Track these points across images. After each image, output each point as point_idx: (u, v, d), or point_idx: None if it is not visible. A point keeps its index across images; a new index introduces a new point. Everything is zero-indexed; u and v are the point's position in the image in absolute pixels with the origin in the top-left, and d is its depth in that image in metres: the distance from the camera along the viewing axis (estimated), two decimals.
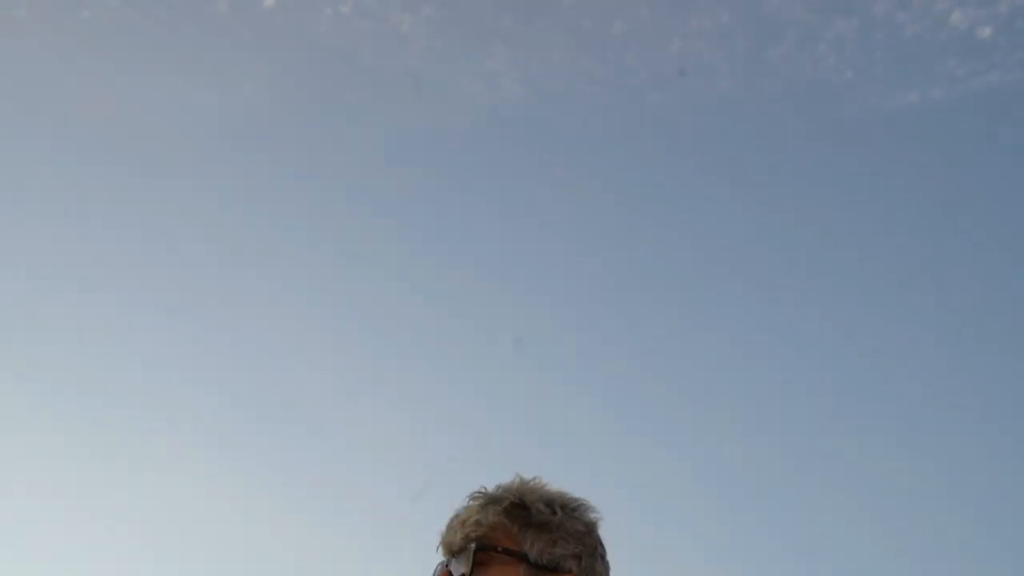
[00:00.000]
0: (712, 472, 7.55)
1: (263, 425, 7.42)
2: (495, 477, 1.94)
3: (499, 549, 1.81)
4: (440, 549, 1.82)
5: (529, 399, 7.64)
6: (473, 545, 1.79)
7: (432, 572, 1.83)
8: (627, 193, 7.97)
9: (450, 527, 1.82)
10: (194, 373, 7.39)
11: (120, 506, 7.00)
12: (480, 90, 7.45)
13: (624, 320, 7.87)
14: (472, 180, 7.92)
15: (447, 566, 1.80)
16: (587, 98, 7.69)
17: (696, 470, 7.61)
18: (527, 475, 1.89)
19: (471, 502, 1.85)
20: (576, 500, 1.86)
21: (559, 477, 1.90)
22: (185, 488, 7.15)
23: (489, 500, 1.84)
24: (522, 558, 1.81)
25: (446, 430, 7.72)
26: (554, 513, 1.82)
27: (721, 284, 8.06)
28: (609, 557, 1.88)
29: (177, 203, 7.38)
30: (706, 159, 7.86)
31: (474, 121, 7.52)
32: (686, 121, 7.76)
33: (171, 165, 7.36)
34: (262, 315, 7.52)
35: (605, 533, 1.90)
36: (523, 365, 7.63)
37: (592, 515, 1.84)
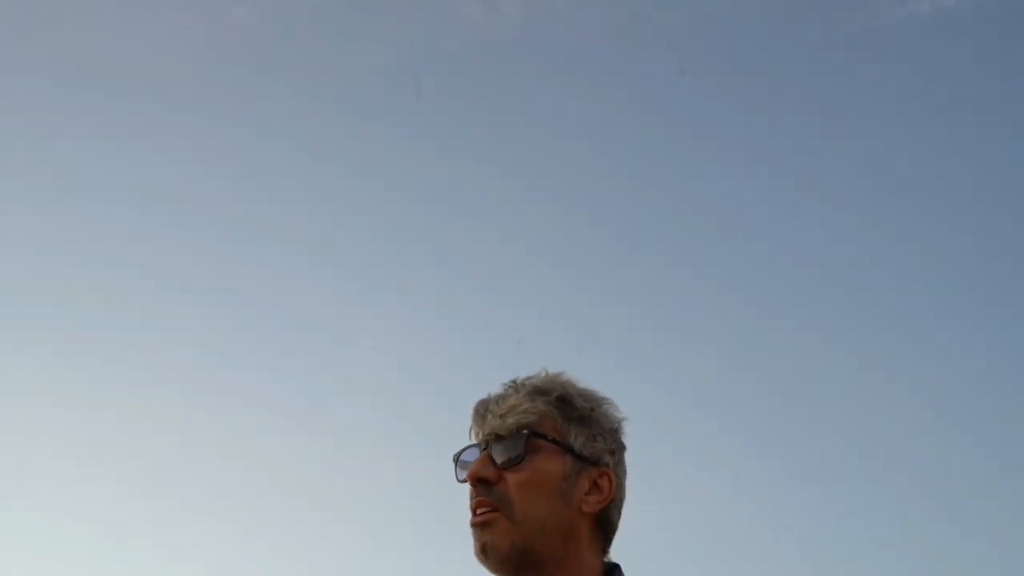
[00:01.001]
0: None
1: (263, 357, 7.47)
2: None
3: (549, 438, 1.86)
4: (475, 433, 1.86)
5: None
6: (526, 432, 1.84)
7: (458, 454, 1.87)
8: (631, 116, 7.82)
9: (490, 412, 1.85)
10: (189, 303, 7.40)
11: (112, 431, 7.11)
12: (478, 11, 7.23)
13: (627, 231, 7.79)
14: (471, 102, 7.76)
15: (485, 449, 1.83)
16: (588, 18, 7.46)
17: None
18: (552, 369, 1.93)
19: (516, 391, 1.89)
20: (607, 398, 1.93)
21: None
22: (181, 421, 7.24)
23: (537, 390, 1.88)
24: (568, 448, 1.87)
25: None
26: (592, 409, 1.89)
27: (736, 203, 7.89)
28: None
29: (172, 127, 7.26)
30: (713, 77, 7.64)
31: (474, 42, 7.32)
32: (693, 41, 7.51)
33: (163, 89, 7.23)
34: (260, 239, 7.49)
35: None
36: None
37: (619, 414, 1.93)
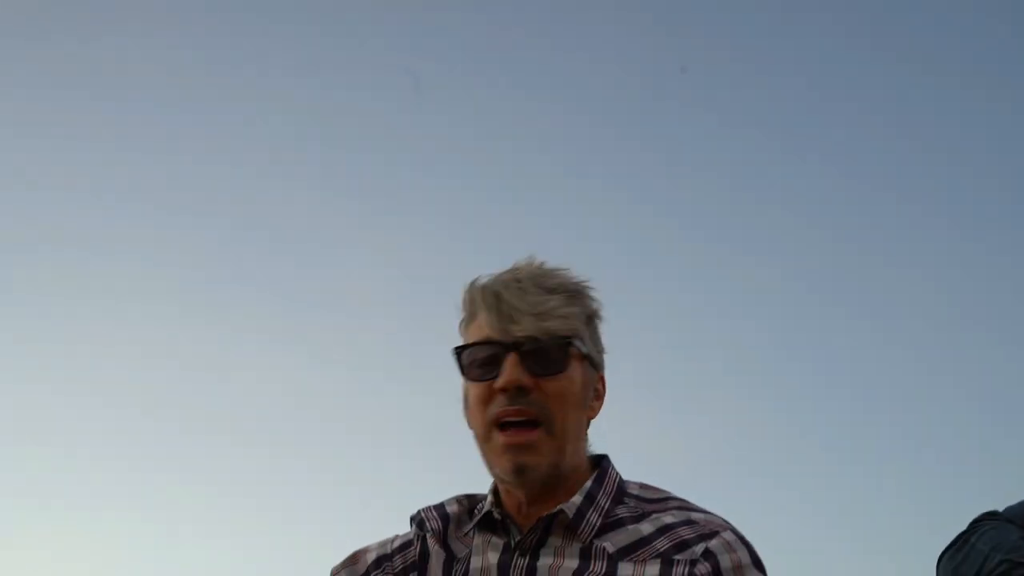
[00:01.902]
0: None
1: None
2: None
3: (583, 349, 1.81)
4: (491, 327, 1.77)
5: None
6: (568, 341, 1.77)
7: (468, 349, 1.80)
8: None
9: (519, 311, 1.78)
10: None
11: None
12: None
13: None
14: None
15: (513, 350, 1.75)
16: None
17: None
18: (529, 257, 1.88)
19: (548, 292, 1.81)
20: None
21: None
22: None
23: (573, 294, 1.84)
24: (586, 356, 1.84)
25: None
26: (600, 310, 1.87)
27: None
28: None
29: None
30: None
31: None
32: None
33: None
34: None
35: None
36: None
37: None
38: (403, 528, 2.15)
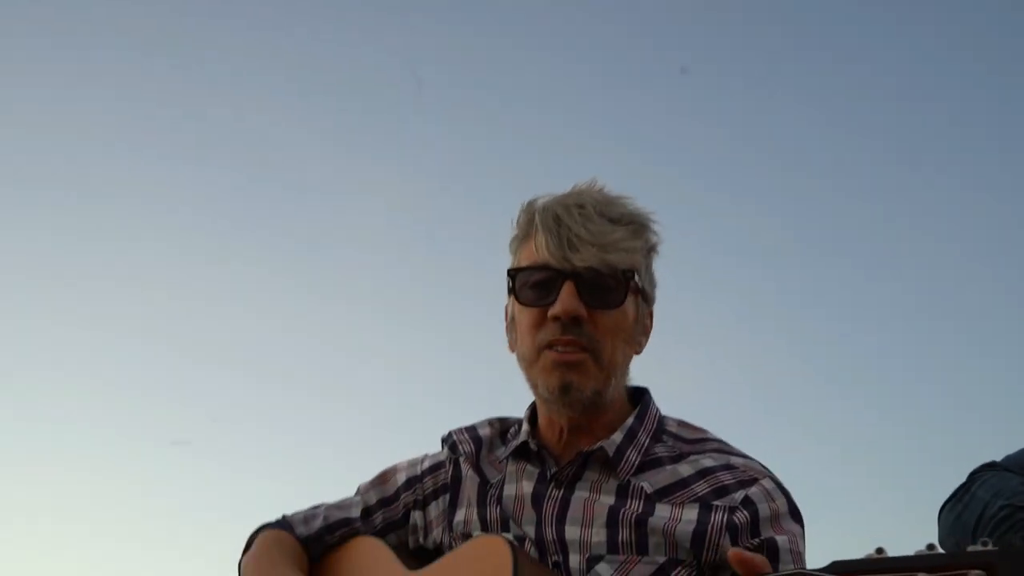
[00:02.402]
0: None
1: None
2: None
3: (641, 285, 1.83)
4: (547, 251, 1.75)
5: None
6: (629, 275, 1.78)
7: (522, 272, 1.79)
8: None
9: (581, 239, 1.75)
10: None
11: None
12: None
13: None
14: None
15: (570, 279, 1.74)
16: None
17: None
18: (590, 180, 1.85)
19: (611, 222, 1.78)
20: None
21: None
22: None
23: (636, 226, 1.82)
24: (641, 291, 1.85)
25: None
26: (657, 242, 1.86)
27: None
28: None
29: None
30: None
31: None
32: None
33: None
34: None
35: None
36: None
37: None
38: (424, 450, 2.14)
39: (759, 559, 1.33)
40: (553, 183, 1.89)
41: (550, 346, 1.77)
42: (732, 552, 1.34)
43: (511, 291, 1.86)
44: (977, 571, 1.19)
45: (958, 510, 2.48)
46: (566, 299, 1.75)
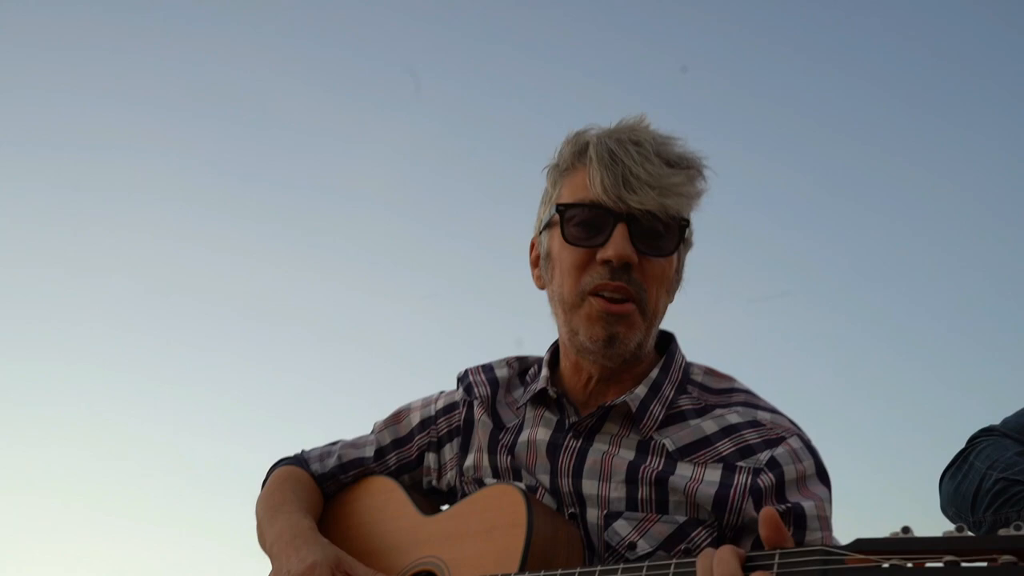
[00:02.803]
0: None
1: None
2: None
3: (689, 232, 1.76)
4: (601, 187, 1.67)
5: None
6: (685, 223, 1.72)
7: (573, 208, 1.69)
8: None
9: (640, 181, 1.66)
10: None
11: None
12: None
13: None
14: None
15: (624, 221, 1.66)
16: None
17: None
18: (639, 116, 1.75)
19: (672, 166, 1.70)
20: None
21: None
22: None
23: (695, 169, 1.73)
24: (687, 240, 1.77)
25: None
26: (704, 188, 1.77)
27: None
28: None
29: None
30: None
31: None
32: None
33: None
34: None
35: None
36: None
37: None
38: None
39: (786, 533, 1.28)
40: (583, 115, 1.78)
41: (595, 292, 1.69)
42: (766, 511, 1.29)
43: (549, 226, 1.77)
44: (1008, 556, 1.13)
45: (957, 480, 2.44)
46: (619, 242, 1.66)
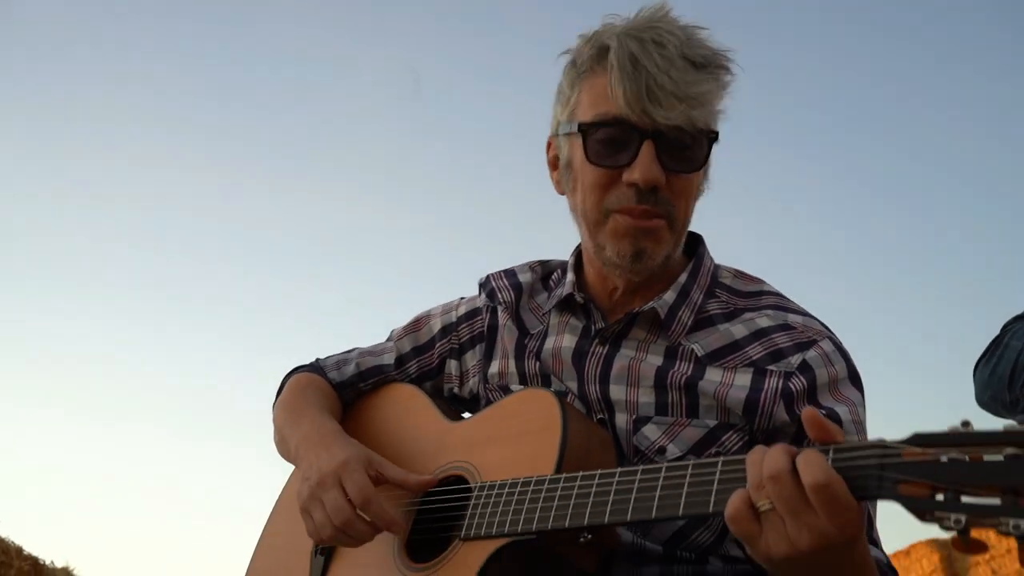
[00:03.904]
0: None
1: None
2: None
3: (717, 139, 1.67)
4: (624, 100, 1.58)
5: None
6: (713, 136, 1.65)
7: (595, 127, 1.62)
8: None
9: (666, 91, 1.57)
10: None
11: None
12: None
13: None
14: None
15: (651, 139, 1.58)
16: None
17: None
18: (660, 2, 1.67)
19: (695, 68, 1.60)
20: None
21: None
22: None
23: (720, 70, 1.64)
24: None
25: None
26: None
27: None
28: None
29: None
30: None
31: None
32: None
33: None
34: None
35: None
36: None
37: None
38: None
39: (834, 428, 1.26)
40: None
41: (621, 212, 1.65)
42: (807, 411, 1.27)
43: (570, 135, 1.70)
44: None
45: (992, 364, 2.45)
46: (647, 165, 1.59)
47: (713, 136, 1.65)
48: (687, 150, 1.63)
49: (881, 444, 1.21)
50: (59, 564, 4.50)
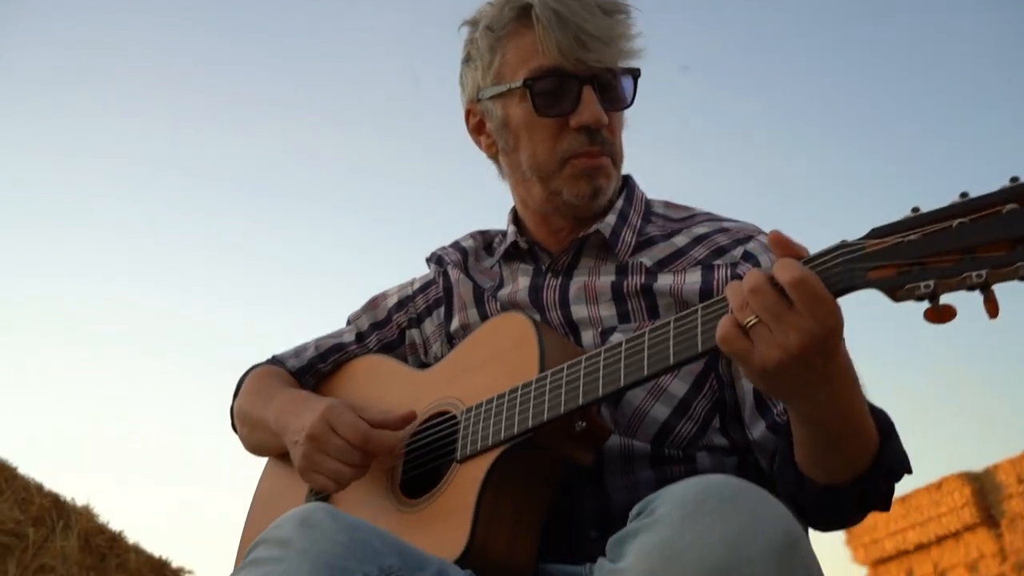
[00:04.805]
0: None
1: None
2: None
3: (640, 75, 1.78)
4: (557, 50, 1.69)
5: None
6: (638, 73, 1.77)
7: (543, 77, 1.71)
8: None
9: (594, 38, 1.69)
10: None
11: None
12: None
13: None
14: None
15: (589, 83, 1.70)
16: None
17: None
18: None
19: (604, 13, 1.71)
20: None
21: None
22: None
23: (630, 13, 1.75)
24: None
25: None
26: None
27: None
28: None
29: None
30: None
31: None
32: None
33: None
34: None
35: None
36: None
37: None
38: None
39: (800, 245, 1.36)
40: None
41: (577, 156, 1.76)
42: (774, 233, 1.36)
43: (502, 96, 1.79)
44: (1012, 205, 1.25)
45: None
46: (593, 107, 1.72)
47: (637, 73, 1.79)
48: (618, 90, 1.77)
49: (844, 244, 1.32)
50: (80, 502, 4.30)
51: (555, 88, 1.73)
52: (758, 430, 1.68)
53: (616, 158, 1.80)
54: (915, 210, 1.30)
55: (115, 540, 4.44)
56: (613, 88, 1.76)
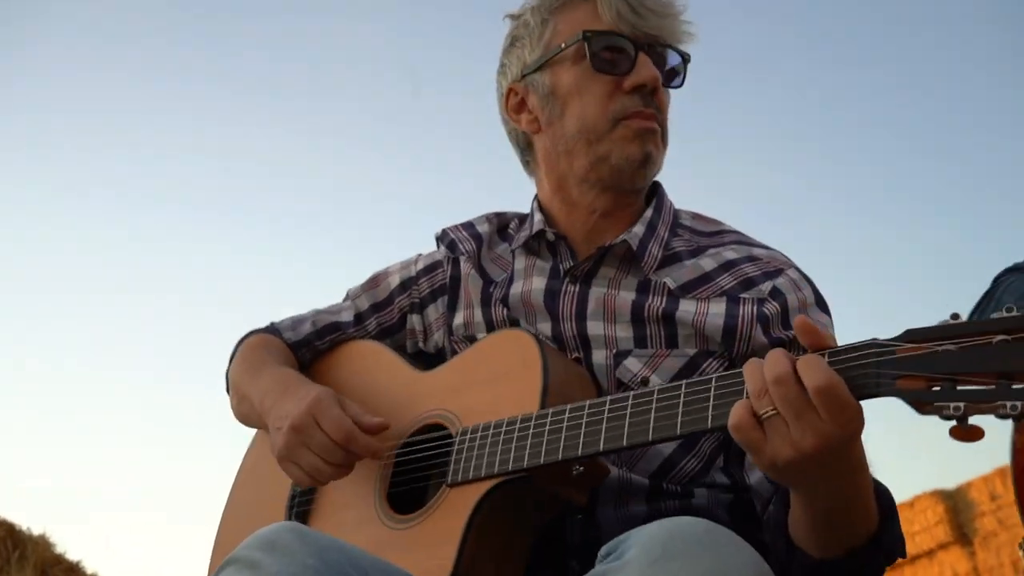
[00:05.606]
0: None
1: None
2: None
3: (689, 61, 1.80)
4: (623, 23, 1.72)
5: None
6: (689, 57, 1.78)
7: (600, 37, 1.71)
8: None
9: (641, 7, 1.73)
10: None
11: None
12: None
13: None
14: None
15: (643, 50, 1.72)
16: None
17: None
18: None
19: None
20: None
21: None
22: None
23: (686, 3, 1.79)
24: None
25: None
26: None
27: None
28: None
29: None
30: None
31: None
32: None
33: None
34: None
35: None
36: None
37: None
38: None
39: (827, 334, 1.29)
40: None
41: (629, 117, 1.71)
42: (800, 319, 1.29)
43: (552, 64, 1.77)
44: None
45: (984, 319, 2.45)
46: (649, 67, 1.71)
47: (688, 58, 1.78)
48: (670, 67, 1.77)
49: (875, 343, 1.24)
50: (36, 531, 4.28)
51: (612, 47, 1.73)
52: (755, 477, 1.64)
53: (665, 133, 1.77)
54: (954, 316, 1.22)
55: (73, 571, 4.30)
56: (666, 63, 1.76)
